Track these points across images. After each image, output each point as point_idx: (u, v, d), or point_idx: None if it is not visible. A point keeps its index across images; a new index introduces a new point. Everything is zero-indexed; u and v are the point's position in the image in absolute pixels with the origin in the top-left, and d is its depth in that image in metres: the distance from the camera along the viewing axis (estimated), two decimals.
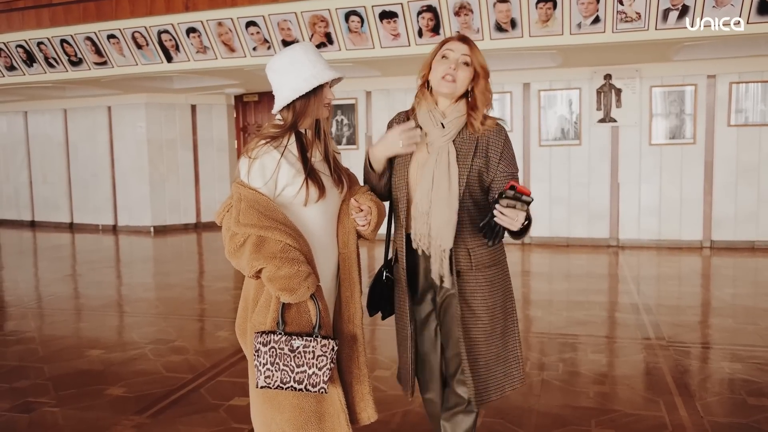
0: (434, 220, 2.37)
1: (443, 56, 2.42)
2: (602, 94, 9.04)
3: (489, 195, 2.44)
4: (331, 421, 2.28)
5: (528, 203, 2.13)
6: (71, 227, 12.65)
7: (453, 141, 2.42)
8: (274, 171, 2.25)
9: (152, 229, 11.72)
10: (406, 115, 2.55)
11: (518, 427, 3.38)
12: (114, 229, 12.16)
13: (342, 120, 10.17)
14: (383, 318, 2.64)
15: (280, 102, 2.29)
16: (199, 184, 12.12)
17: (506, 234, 2.25)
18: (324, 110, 2.34)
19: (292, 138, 2.31)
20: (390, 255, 2.62)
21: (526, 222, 2.20)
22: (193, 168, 12.06)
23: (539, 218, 9.45)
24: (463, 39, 2.44)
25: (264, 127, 2.37)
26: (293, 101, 2.27)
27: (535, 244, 9.41)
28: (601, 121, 9.09)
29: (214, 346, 4.88)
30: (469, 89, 2.44)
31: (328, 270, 2.39)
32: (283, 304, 2.21)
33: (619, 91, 8.98)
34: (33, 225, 13.13)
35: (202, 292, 7.08)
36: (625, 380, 4.05)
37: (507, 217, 2.12)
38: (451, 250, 2.38)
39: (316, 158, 2.35)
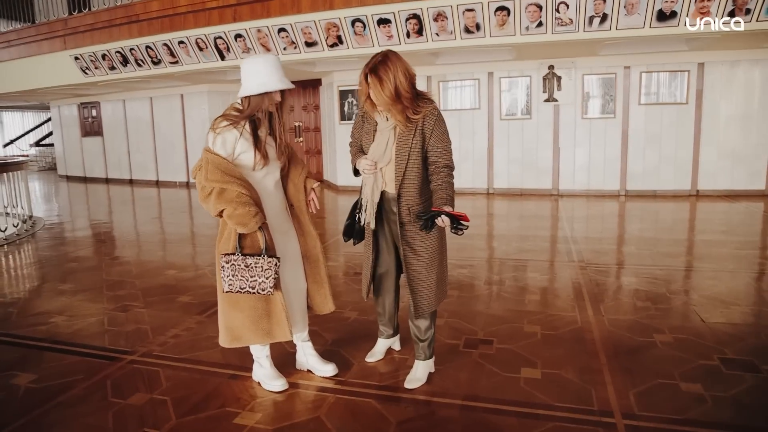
0: (387, 177, 2.49)
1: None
2: (547, 80, 8.85)
3: (426, 161, 2.44)
4: (276, 317, 2.42)
5: (460, 229, 2.20)
6: (157, 184, 12.69)
7: (395, 127, 2.44)
8: (233, 144, 2.32)
9: None
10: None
11: (471, 324, 3.41)
12: (187, 185, 12.18)
13: (352, 102, 10.04)
14: (354, 244, 2.69)
15: (241, 92, 2.31)
16: None
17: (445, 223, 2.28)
18: (271, 106, 2.37)
19: (247, 121, 2.35)
20: (361, 200, 2.61)
21: (463, 227, 2.23)
22: None
23: (501, 174, 9.41)
24: (366, 76, 2.32)
25: (228, 109, 2.40)
26: (249, 96, 2.31)
27: (497, 194, 9.37)
28: (546, 101, 8.92)
29: None
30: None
31: (276, 210, 2.48)
32: (240, 234, 2.31)
33: (559, 78, 8.78)
34: (131, 182, 13.18)
35: None
36: (553, 291, 4.08)
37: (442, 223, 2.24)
38: (398, 206, 2.45)
39: (263, 134, 2.39)
